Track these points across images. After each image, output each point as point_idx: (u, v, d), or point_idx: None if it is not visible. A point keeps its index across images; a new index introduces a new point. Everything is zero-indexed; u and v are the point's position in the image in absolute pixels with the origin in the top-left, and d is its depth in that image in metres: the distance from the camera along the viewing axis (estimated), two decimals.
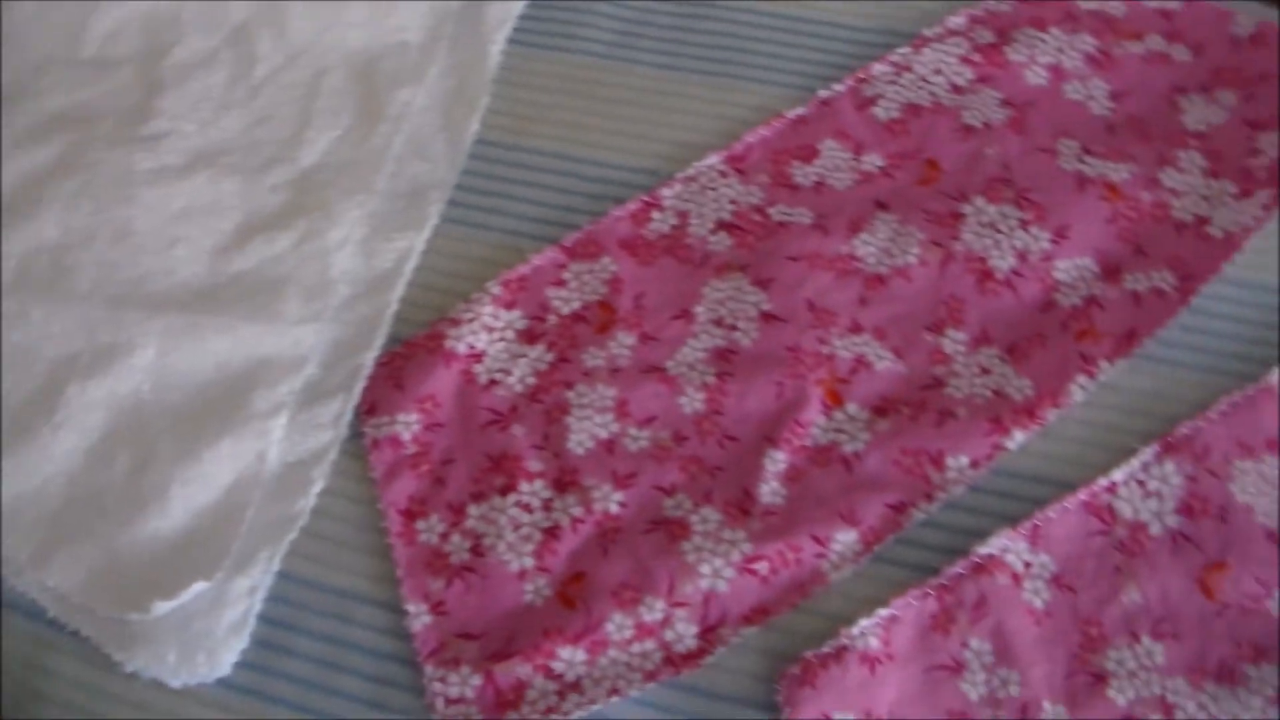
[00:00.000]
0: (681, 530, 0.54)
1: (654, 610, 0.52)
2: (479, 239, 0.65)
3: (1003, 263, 0.60)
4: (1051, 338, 0.58)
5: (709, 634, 0.52)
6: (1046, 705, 0.51)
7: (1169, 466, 0.55)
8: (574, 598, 0.53)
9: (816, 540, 0.53)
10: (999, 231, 0.61)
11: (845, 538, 0.54)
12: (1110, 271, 0.60)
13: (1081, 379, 0.57)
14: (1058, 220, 0.61)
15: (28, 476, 0.57)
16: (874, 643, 0.52)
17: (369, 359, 0.61)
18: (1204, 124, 0.65)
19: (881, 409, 0.57)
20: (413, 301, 0.63)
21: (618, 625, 0.52)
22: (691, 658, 0.52)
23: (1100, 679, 0.51)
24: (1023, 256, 0.60)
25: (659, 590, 0.53)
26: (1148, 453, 0.56)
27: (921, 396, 0.57)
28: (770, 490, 0.55)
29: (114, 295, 0.61)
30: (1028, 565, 0.53)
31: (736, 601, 0.53)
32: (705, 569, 0.53)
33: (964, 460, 0.55)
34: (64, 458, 0.57)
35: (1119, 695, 0.51)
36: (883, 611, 0.52)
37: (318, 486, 0.58)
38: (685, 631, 0.52)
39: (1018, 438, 0.56)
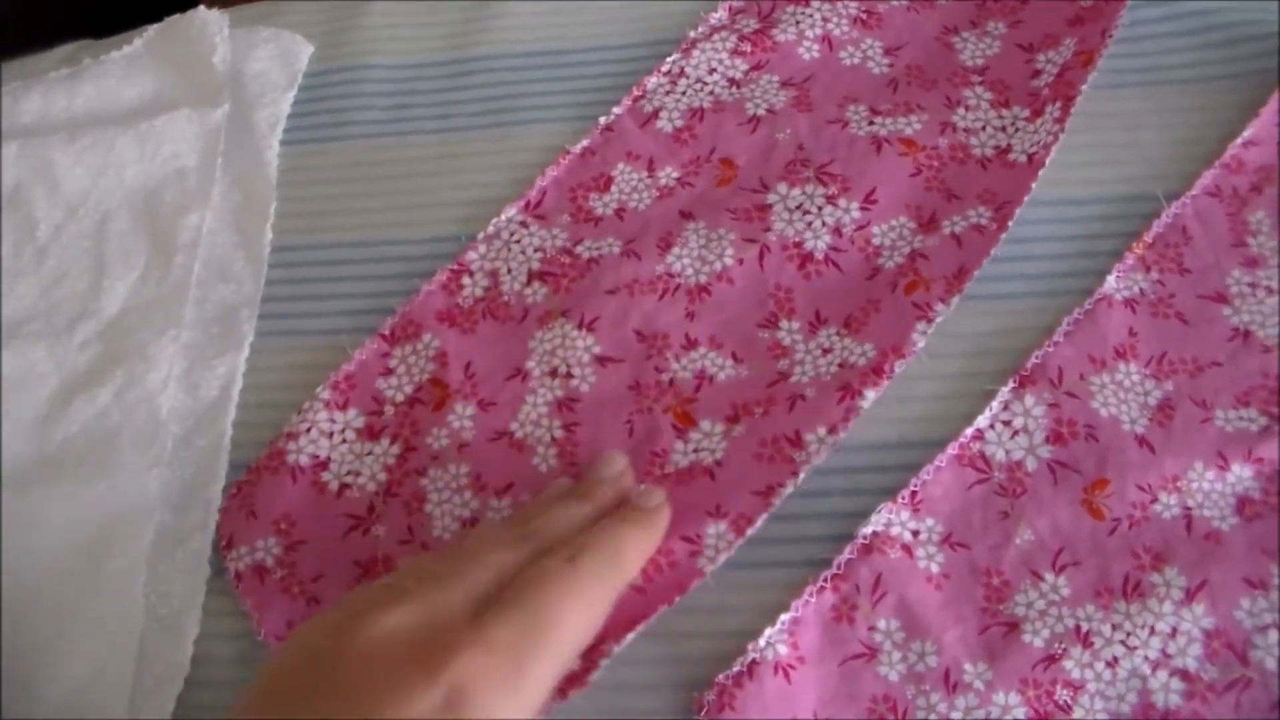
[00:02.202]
0: None
1: None
2: (299, 346, 0.63)
3: (819, 243, 0.60)
4: (884, 300, 0.58)
5: (590, 653, 0.50)
6: (967, 666, 0.50)
7: (1029, 399, 0.55)
8: None
9: (687, 540, 0.52)
10: (807, 213, 0.61)
11: (716, 529, 0.52)
12: (926, 223, 0.60)
13: (920, 325, 0.56)
14: (863, 188, 0.61)
15: None
16: (783, 650, 0.51)
17: (216, 492, 0.59)
18: (981, 58, 0.65)
19: (734, 417, 0.56)
20: (248, 424, 0.61)
21: None
22: (575, 679, 0.50)
23: (1013, 626, 0.50)
24: (837, 231, 0.60)
25: None
26: (1004, 391, 0.55)
27: (769, 394, 0.56)
28: None
29: None
30: (915, 533, 0.53)
31: (616, 616, 0.50)
32: None
33: (821, 430, 0.54)
34: None
35: (1034, 638, 0.50)
36: (784, 616, 0.51)
37: (193, 634, 0.55)
38: None
39: (870, 396, 0.55)
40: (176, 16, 0.74)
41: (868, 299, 0.58)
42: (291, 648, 0.44)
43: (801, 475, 0.53)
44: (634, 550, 0.49)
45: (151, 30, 0.75)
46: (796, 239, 0.60)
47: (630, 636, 0.51)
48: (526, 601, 0.44)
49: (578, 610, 0.45)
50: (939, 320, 0.56)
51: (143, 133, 0.69)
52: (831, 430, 0.54)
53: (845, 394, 0.55)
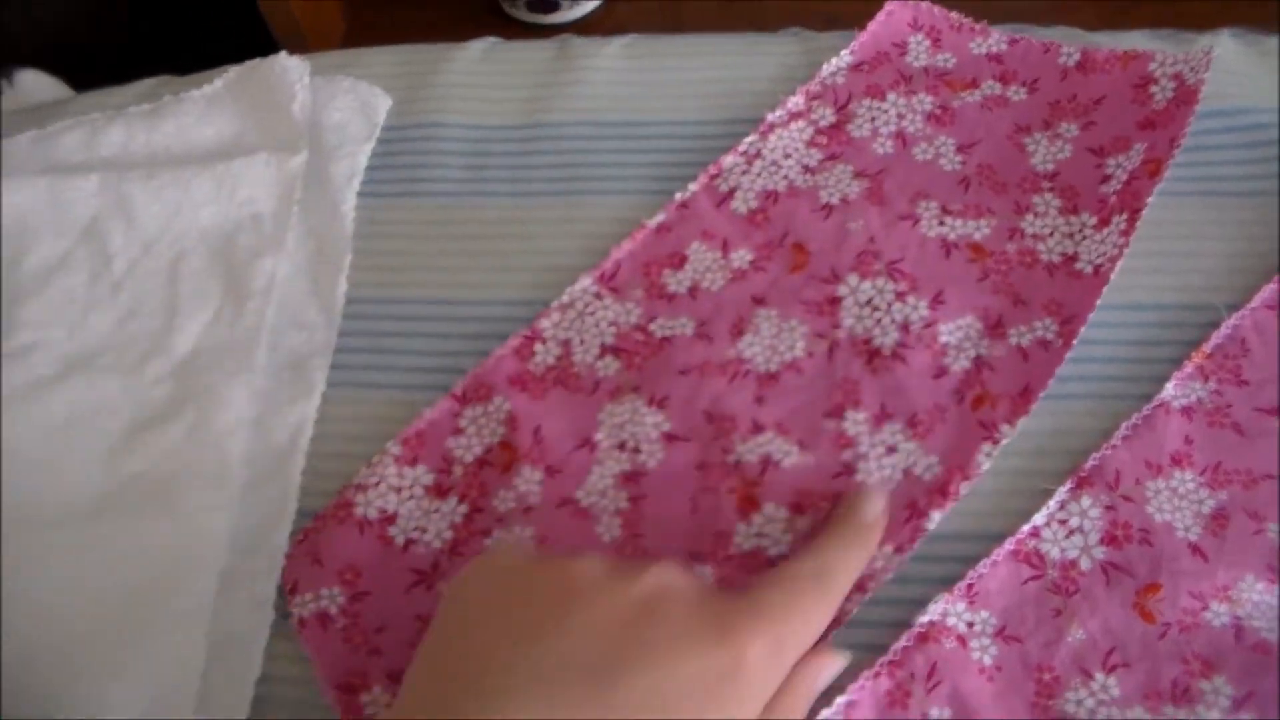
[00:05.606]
0: None
1: None
2: (369, 398, 0.64)
3: (887, 339, 0.61)
4: (949, 409, 0.59)
5: None
6: None
7: (1086, 501, 0.56)
8: None
9: None
10: (877, 309, 0.62)
11: None
12: (993, 327, 0.61)
13: (986, 447, 0.57)
14: (931, 288, 0.62)
15: None
16: None
17: (283, 538, 0.59)
18: (1051, 162, 0.67)
19: (798, 505, 0.57)
20: (316, 472, 0.62)
21: None
22: None
23: None
24: (905, 328, 0.61)
25: None
26: (1062, 491, 0.56)
27: (834, 486, 0.57)
28: None
29: (5, 519, 0.59)
30: (970, 625, 0.54)
31: None
32: None
33: (888, 549, 0.55)
34: None
35: None
36: (840, 699, 0.52)
37: (255, 676, 0.56)
38: None
39: (935, 518, 0.56)
40: (258, 61, 0.75)
41: (934, 401, 0.59)
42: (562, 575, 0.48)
43: (869, 594, 0.54)
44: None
45: (232, 72, 0.76)
46: (865, 335, 0.61)
47: None
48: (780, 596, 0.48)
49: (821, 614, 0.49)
50: (1004, 442, 0.57)
51: (219, 175, 0.71)
52: (898, 549, 0.55)
53: (912, 513, 0.56)
